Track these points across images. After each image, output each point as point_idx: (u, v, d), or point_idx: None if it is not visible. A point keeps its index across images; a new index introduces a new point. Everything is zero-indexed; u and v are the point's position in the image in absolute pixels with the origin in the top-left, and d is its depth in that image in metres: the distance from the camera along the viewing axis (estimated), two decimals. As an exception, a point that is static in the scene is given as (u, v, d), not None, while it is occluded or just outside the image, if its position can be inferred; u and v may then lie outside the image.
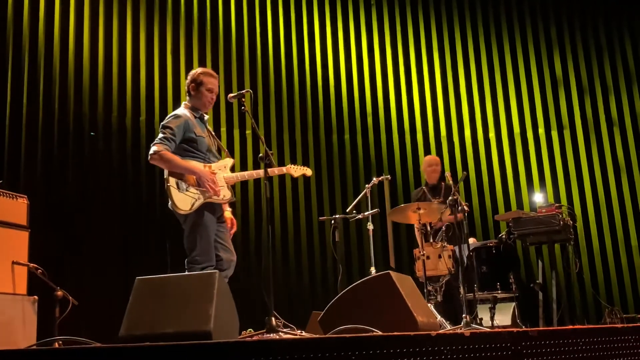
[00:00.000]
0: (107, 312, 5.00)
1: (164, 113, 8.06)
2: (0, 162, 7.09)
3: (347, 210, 6.64)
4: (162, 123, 4.69)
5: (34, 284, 4.87)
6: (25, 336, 4.58)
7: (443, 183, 7.12)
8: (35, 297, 4.81)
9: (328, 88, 9.01)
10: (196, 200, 4.51)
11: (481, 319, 5.64)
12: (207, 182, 4.54)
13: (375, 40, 9.25)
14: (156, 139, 4.58)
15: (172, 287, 3.39)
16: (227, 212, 4.95)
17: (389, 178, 6.90)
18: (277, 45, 8.91)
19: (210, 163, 4.75)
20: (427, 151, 9.00)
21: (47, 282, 4.77)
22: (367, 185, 6.62)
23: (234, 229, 4.97)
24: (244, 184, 8.35)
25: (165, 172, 4.57)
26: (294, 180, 8.53)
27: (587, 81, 9.04)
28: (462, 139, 9.10)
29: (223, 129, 8.39)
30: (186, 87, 4.90)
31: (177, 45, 8.38)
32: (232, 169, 4.90)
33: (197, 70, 4.92)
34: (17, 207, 4.91)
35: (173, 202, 4.49)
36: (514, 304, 6.41)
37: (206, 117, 4.97)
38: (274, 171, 4.96)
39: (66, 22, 7.78)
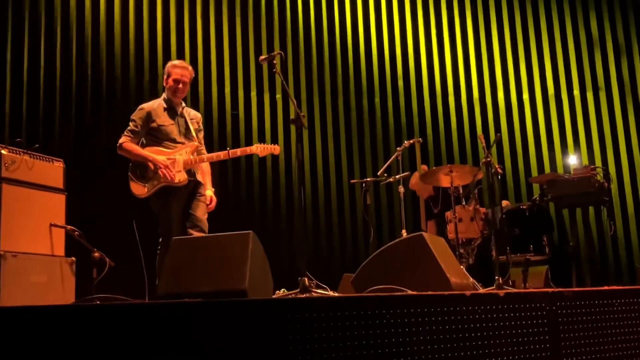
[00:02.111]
0: (144, 273, 5.10)
1: (194, 77, 8.08)
2: (36, 127, 7.20)
3: (378, 173, 6.63)
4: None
5: (71, 245, 4.98)
6: (64, 296, 4.70)
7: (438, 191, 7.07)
8: (73, 258, 4.93)
9: (358, 51, 8.92)
10: (153, 187, 4.94)
11: (514, 282, 5.62)
12: (161, 168, 4.90)
13: (406, 1, 9.10)
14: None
15: (208, 247, 3.44)
16: (209, 191, 5.25)
17: (421, 141, 6.85)
18: (306, 7, 8.82)
19: (174, 149, 5.05)
20: (459, 113, 8.89)
21: (85, 244, 4.87)
22: (398, 148, 6.58)
23: (212, 207, 5.22)
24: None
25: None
26: (325, 143, 8.53)
27: (624, 41, 8.81)
28: (495, 101, 8.97)
29: (253, 93, 8.40)
30: None
31: (206, 9, 8.35)
32: (197, 153, 5.17)
33: (168, 62, 5.31)
34: (53, 171, 5.01)
35: (130, 189, 5.00)
36: (546, 266, 6.37)
37: (180, 105, 5.26)
38: (237, 152, 5.20)
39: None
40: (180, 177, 4.95)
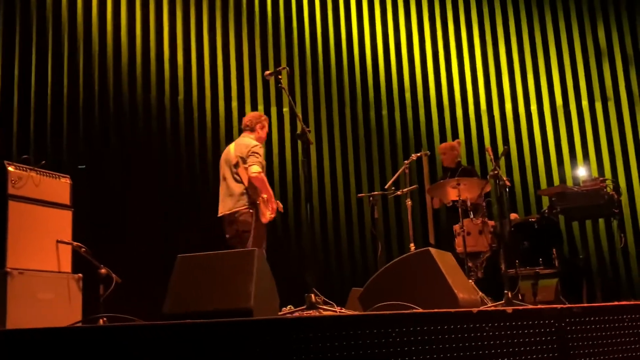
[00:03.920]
0: (150, 289, 5.09)
1: (201, 92, 8.12)
2: (43, 143, 7.21)
3: (386, 187, 6.59)
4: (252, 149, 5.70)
5: (78, 262, 4.97)
6: (71, 313, 4.68)
7: (461, 166, 7.03)
8: (80, 275, 4.92)
9: (365, 64, 8.92)
10: (267, 217, 5.70)
11: (523, 295, 5.57)
12: (278, 206, 5.90)
13: (413, 14, 9.11)
14: (253, 161, 5.63)
15: (212, 265, 3.42)
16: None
17: (428, 153, 6.83)
18: (312, 21, 8.84)
19: None
20: (467, 125, 8.86)
21: (91, 260, 4.86)
22: (405, 162, 6.56)
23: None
24: (282, 162, 8.38)
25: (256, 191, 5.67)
26: (332, 156, 8.52)
27: (632, 51, 8.77)
28: (503, 112, 8.94)
29: (260, 107, 8.40)
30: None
31: (213, 24, 8.39)
32: None
33: (263, 116, 6.12)
34: (60, 187, 5.00)
35: (257, 211, 5.63)
36: (556, 279, 6.31)
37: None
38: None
39: (104, 3, 7.84)
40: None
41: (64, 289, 4.76)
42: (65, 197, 5.03)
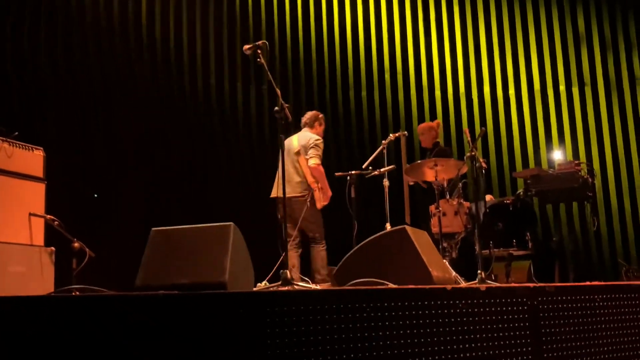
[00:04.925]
0: (124, 263, 5.05)
1: (179, 68, 8.02)
2: (15, 114, 7.09)
3: (364, 167, 6.59)
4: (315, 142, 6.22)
5: (51, 235, 4.91)
6: (43, 286, 4.63)
7: (438, 147, 7.07)
8: (53, 248, 4.86)
9: (345, 44, 8.88)
10: (321, 205, 6.25)
11: (496, 276, 5.63)
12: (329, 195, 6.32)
13: (394, -5, 9.07)
14: (314, 154, 6.15)
15: (187, 239, 3.39)
16: None
17: (406, 134, 6.84)
18: (293, 1, 8.77)
19: None
20: (445, 107, 8.88)
21: (65, 234, 4.80)
22: (383, 142, 6.56)
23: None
24: (260, 139, 8.34)
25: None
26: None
27: (610, 37, 8.83)
28: (481, 95, 8.96)
29: (239, 84, 8.34)
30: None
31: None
32: None
33: (321, 115, 6.62)
34: (33, 159, 4.92)
35: (322, 197, 6.20)
36: (529, 261, 6.38)
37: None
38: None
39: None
40: None
41: (36, 262, 4.70)
42: (38, 170, 4.95)
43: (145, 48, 7.96)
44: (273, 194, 6.25)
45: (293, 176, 6.20)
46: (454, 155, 8.42)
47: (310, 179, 6.15)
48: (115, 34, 7.83)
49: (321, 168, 6.18)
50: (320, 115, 6.59)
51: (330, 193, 6.29)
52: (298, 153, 6.22)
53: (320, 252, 6.28)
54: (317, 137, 6.31)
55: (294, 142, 6.32)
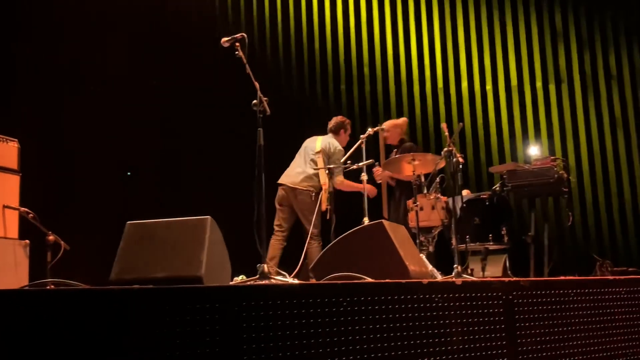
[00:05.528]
0: (99, 256, 5.01)
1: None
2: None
3: (342, 160, 6.60)
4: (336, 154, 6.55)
5: (25, 228, 4.85)
6: (17, 279, 4.58)
7: (403, 143, 7.12)
8: (27, 241, 4.81)
9: (324, 37, 8.87)
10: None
11: (472, 270, 5.67)
12: None
13: (373, -12, 9.07)
14: (338, 172, 6.47)
15: (163, 232, 3.37)
16: None
17: (384, 128, 6.86)
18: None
19: None
20: (424, 102, 8.91)
21: (39, 226, 4.75)
22: (362, 136, 6.56)
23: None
24: (238, 133, 8.30)
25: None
26: (290, 129, 8.47)
27: (587, 34, 8.90)
28: (459, 91, 9.00)
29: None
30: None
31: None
32: None
33: (347, 120, 6.93)
34: (8, 151, 4.87)
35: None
36: (505, 255, 6.43)
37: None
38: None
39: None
40: None
41: (10, 255, 4.65)
42: (13, 162, 4.89)
43: (120, 37, 7.88)
44: (280, 181, 6.57)
45: (305, 170, 6.51)
46: (432, 150, 8.46)
47: (323, 181, 6.43)
48: (86, 21, 7.74)
49: (346, 182, 6.51)
50: (347, 122, 6.82)
51: (374, 190, 6.58)
52: (318, 153, 6.51)
53: (315, 248, 6.43)
54: (340, 149, 6.57)
55: (317, 143, 6.61)
